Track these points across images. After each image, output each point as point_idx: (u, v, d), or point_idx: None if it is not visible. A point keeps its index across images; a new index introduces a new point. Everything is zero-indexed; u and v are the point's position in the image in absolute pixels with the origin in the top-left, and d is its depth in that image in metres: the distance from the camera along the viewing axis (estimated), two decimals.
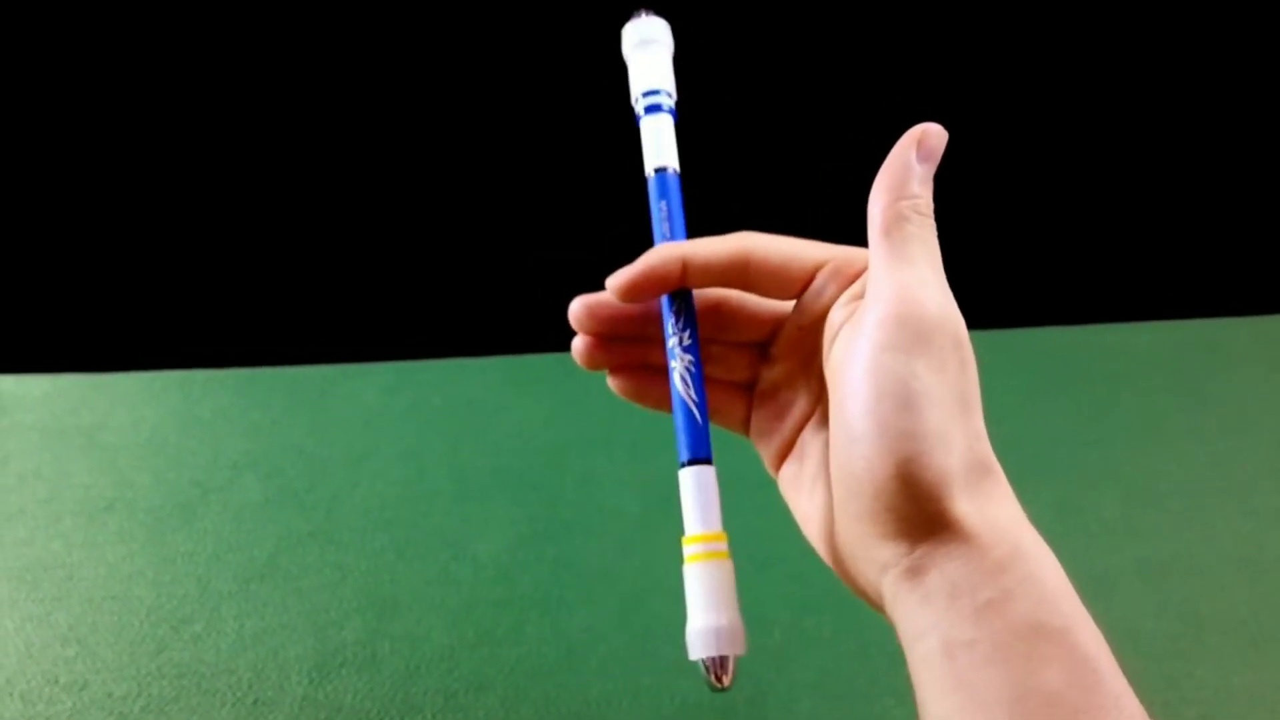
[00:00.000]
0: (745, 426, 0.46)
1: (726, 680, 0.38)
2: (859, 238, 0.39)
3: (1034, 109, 1.11)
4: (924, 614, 0.33)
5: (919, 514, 0.33)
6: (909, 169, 0.37)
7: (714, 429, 0.45)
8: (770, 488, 0.87)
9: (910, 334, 0.34)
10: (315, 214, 1.15)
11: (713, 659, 0.38)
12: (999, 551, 0.33)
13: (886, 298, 0.35)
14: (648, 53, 0.45)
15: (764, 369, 0.44)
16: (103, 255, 1.13)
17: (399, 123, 1.13)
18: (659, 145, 0.43)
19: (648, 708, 0.70)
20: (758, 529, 0.83)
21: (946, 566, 0.33)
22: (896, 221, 0.36)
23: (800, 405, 0.43)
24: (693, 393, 0.41)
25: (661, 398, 0.44)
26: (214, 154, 1.12)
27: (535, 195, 1.14)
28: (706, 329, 0.43)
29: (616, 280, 0.40)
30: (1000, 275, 1.09)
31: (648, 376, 0.44)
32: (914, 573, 0.34)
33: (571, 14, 1.03)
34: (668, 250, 0.40)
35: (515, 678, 0.72)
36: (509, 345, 1.06)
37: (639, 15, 0.45)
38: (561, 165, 1.12)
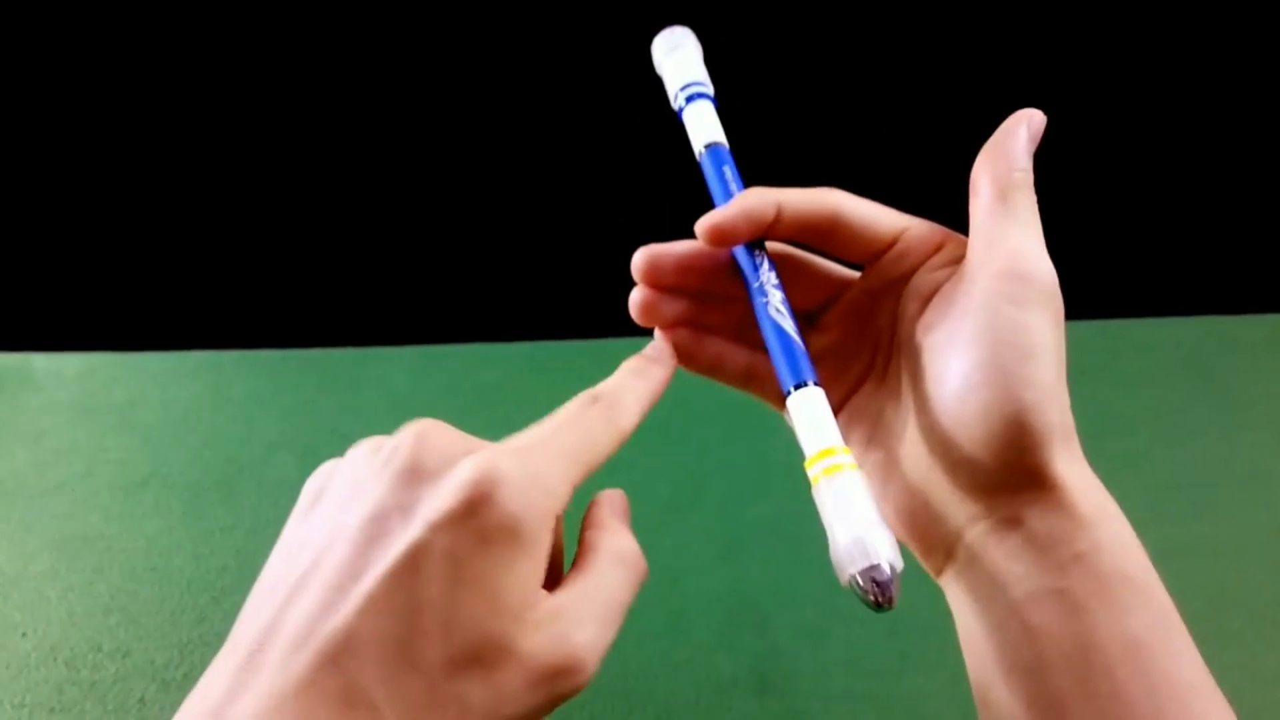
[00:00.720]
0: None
1: (890, 595, 0.33)
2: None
3: (1050, 104, 1.12)
4: (1013, 566, 0.34)
5: (1023, 465, 0.34)
6: (1021, 140, 0.38)
7: (749, 399, 0.45)
8: (795, 472, 0.88)
9: (1032, 289, 0.35)
10: (346, 199, 1.16)
11: (866, 572, 0.33)
12: (1089, 507, 0.34)
13: (1006, 254, 0.36)
14: (679, 54, 0.47)
15: (811, 336, 0.45)
16: (135, 237, 1.14)
17: (431, 109, 1.14)
18: (705, 126, 0.45)
19: (684, 683, 0.71)
20: (788, 507, 0.84)
21: (1044, 518, 0.34)
22: (1011, 188, 0.37)
23: (852, 371, 0.44)
24: (789, 321, 0.41)
25: (713, 361, 0.45)
26: (249, 138, 1.13)
27: (565, 181, 1.15)
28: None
29: (709, 221, 0.40)
30: None
31: (701, 335, 0.44)
32: (1008, 524, 0.35)
33: (591, 10, 1.04)
34: (760, 195, 0.40)
35: None
36: (536, 331, 1.07)
37: (666, 30, 0.47)
38: (593, 150, 1.13)
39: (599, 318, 1.08)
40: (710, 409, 0.96)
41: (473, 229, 1.16)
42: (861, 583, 0.33)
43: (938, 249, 0.41)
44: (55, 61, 1.09)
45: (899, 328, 0.41)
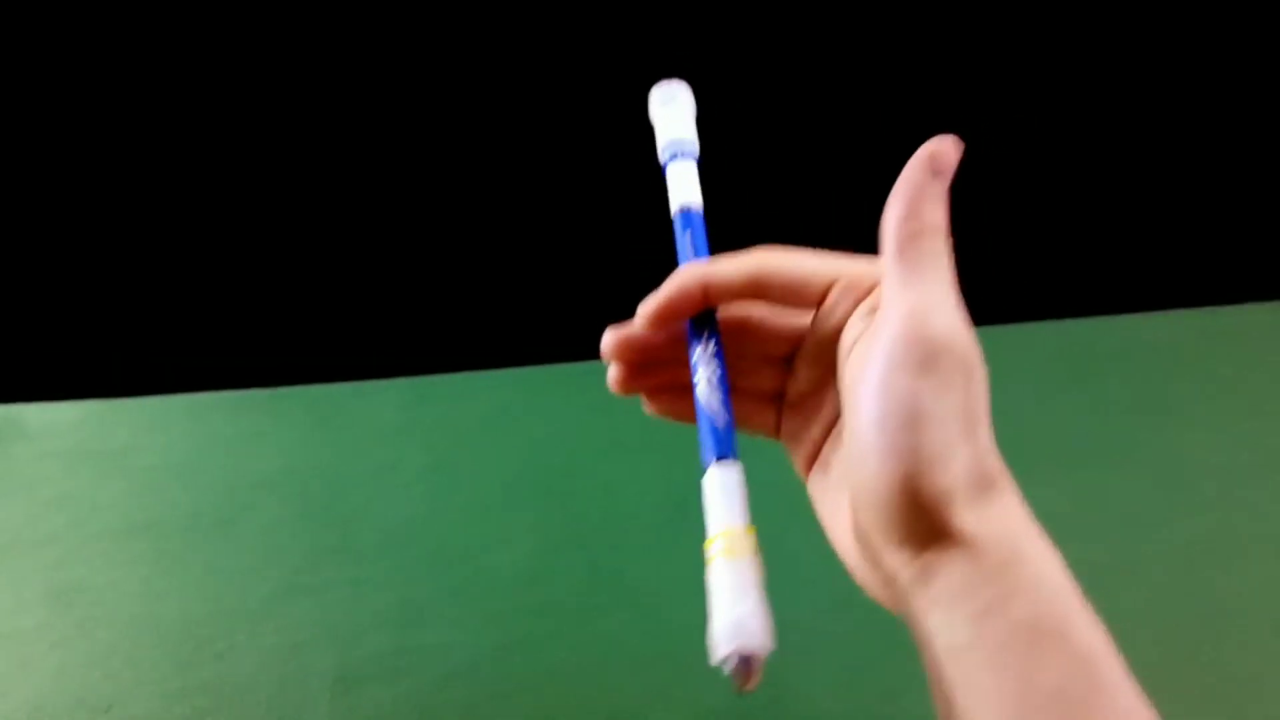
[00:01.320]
0: (778, 433, 0.47)
1: (751, 683, 0.35)
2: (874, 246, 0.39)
3: (1047, 104, 1.11)
4: (932, 618, 0.34)
5: (923, 526, 0.34)
6: (921, 188, 0.37)
7: (746, 437, 0.45)
8: (789, 487, 0.87)
9: (918, 355, 0.35)
10: (331, 234, 1.16)
11: (733, 657, 0.35)
12: (998, 556, 0.33)
13: (897, 318, 0.35)
14: (670, 110, 0.47)
15: (789, 380, 0.45)
16: (125, 281, 1.14)
17: (415, 143, 1.14)
18: (682, 186, 0.45)
19: (675, 713, 0.70)
20: (778, 528, 0.82)
21: (950, 572, 0.33)
22: (910, 241, 0.36)
23: (824, 414, 0.43)
24: (716, 398, 0.41)
25: (686, 413, 0.45)
26: (232, 179, 1.14)
27: (549, 208, 1.14)
28: (734, 344, 0.44)
29: (644, 310, 0.42)
30: (1024, 269, 1.08)
31: (683, 396, 0.44)
32: (922, 578, 0.34)
33: (585, 33, 1.04)
34: (688, 274, 0.41)
35: (538, 688, 0.72)
36: (526, 356, 1.06)
37: (663, 82, 0.48)
38: (575, 178, 1.12)
39: (589, 341, 1.08)
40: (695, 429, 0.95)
41: (458, 257, 1.15)
42: (730, 663, 0.35)
43: (866, 294, 0.40)
44: (38, 107, 1.10)
45: (840, 378, 0.40)
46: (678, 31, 1.05)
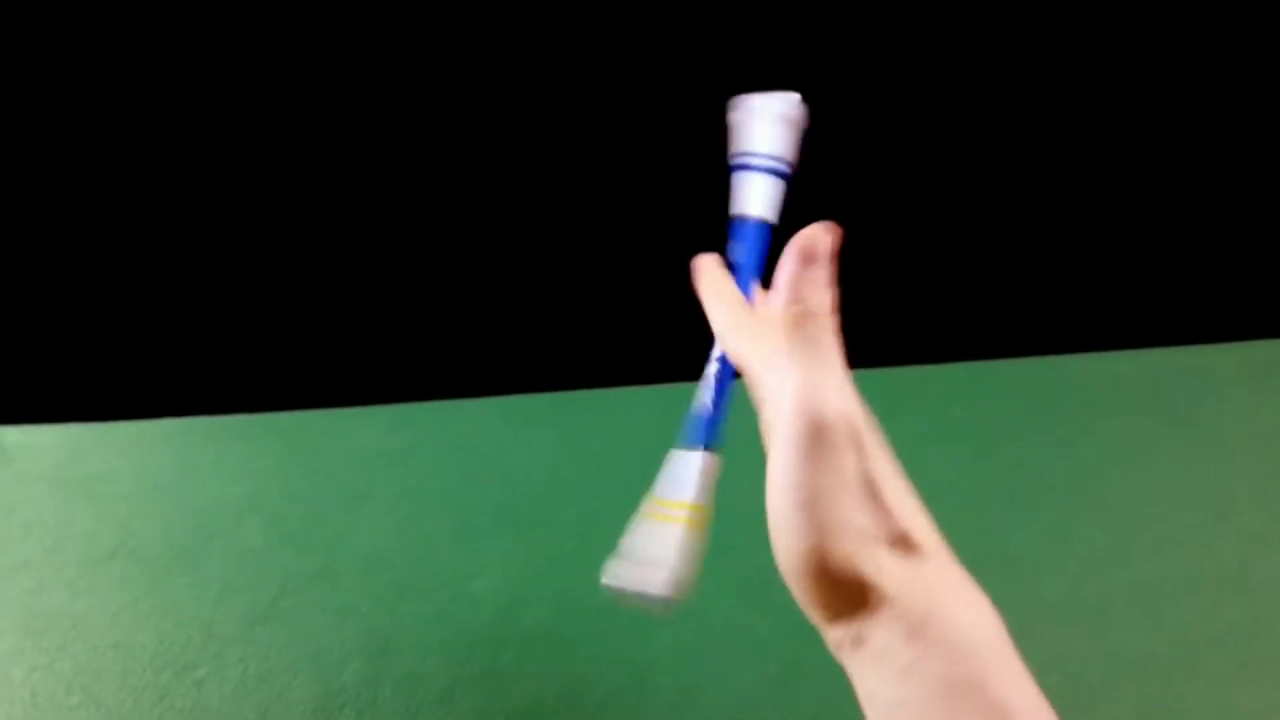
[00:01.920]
0: None
1: (631, 598, 0.39)
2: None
3: (1015, 146, 1.14)
4: (866, 681, 0.35)
5: (841, 593, 0.36)
6: (799, 276, 0.39)
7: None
8: (761, 519, 0.88)
9: (807, 436, 0.36)
10: (310, 262, 1.16)
11: (626, 590, 0.38)
12: (914, 616, 0.35)
13: (786, 408, 0.37)
14: (782, 126, 0.46)
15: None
16: (104, 305, 1.14)
17: (396, 174, 1.15)
18: (766, 201, 0.46)
19: None
20: (753, 561, 0.84)
21: (875, 635, 0.35)
22: (793, 327, 0.38)
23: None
24: (708, 393, 0.43)
25: None
26: (212, 208, 1.14)
27: (527, 239, 1.16)
28: None
29: None
30: (986, 307, 1.11)
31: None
32: (855, 644, 0.36)
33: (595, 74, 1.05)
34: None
35: (517, 716, 0.73)
36: (506, 385, 1.07)
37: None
38: (550, 209, 1.14)
39: (568, 370, 1.09)
40: None
41: (438, 287, 1.16)
42: (622, 592, 0.38)
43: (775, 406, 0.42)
44: (20, 132, 1.10)
45: None
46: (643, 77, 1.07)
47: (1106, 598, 0.81)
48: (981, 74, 1.12)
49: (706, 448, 0.42)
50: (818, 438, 0.37)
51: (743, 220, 0.45)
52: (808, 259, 0.40)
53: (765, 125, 0.46)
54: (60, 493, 0.95)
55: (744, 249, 0.46)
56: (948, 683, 0.33)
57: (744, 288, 0.47)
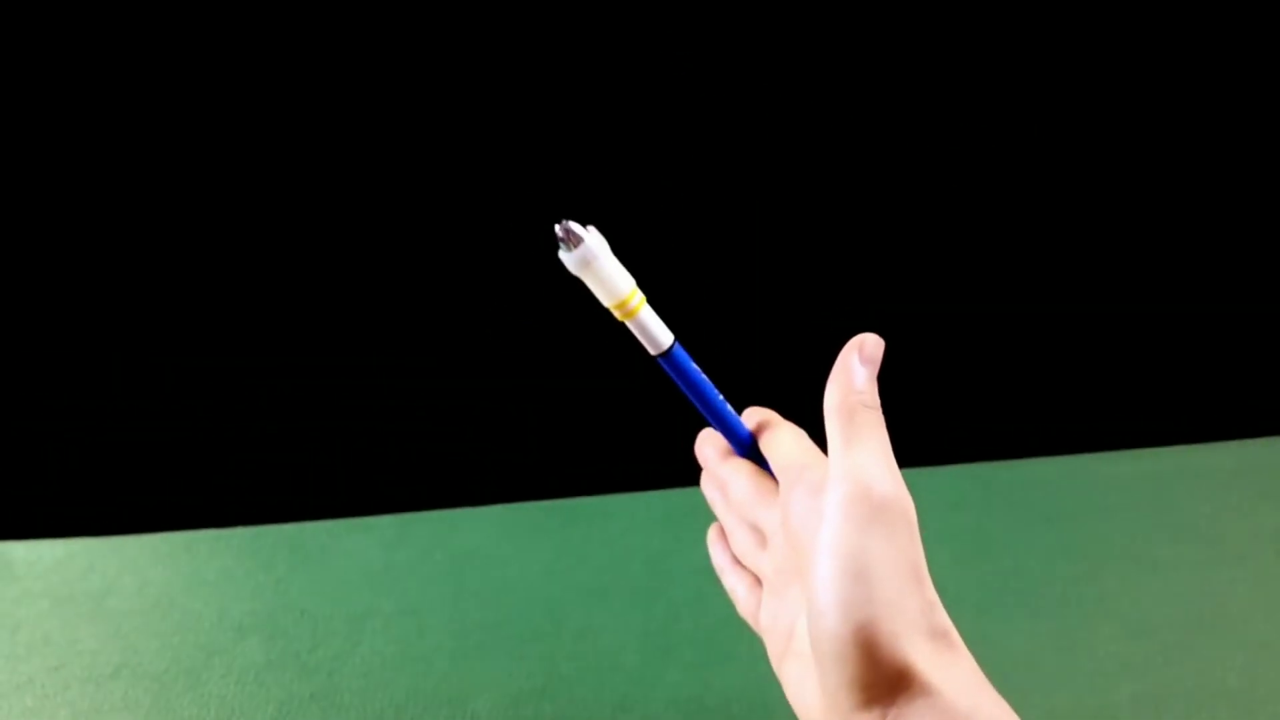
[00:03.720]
0: (759, 623, 0.49)
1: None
2: None
3: (1007, 239, 1.15)
4: None
5: (882, 676, 0.36)
6: (854, 370, 0.42)
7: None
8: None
9: (864, 511, 0.38)
10: (309, 370, 1.18)
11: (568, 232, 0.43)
12: (961, 709, 0.35)
13: (842, 479, 0.39)
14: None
15: (766, 561, 0.47)
16: (110, 419, 1.16)
17: (387, 272, 1.17)
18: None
19: None
20: (754, 673, 0.84)
21: None
22: (848, 413, 0.41)
23: (796, 597, 0.45)
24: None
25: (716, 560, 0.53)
26: (208, 314, 1.16)
27: (529, 343, 1.17)
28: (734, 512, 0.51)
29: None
30: (986, 408, 1.11)
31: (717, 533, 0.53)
32: None
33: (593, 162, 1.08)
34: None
35: None
36: (509, 493, 1.08)
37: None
38: (551, 314, 1.16)
39: (571, 477, 1.10)
40: (680, 569, 0.96)
41: (440, 393, 1.18)
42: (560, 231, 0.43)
43: (817, 478, 0.43)
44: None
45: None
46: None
47: (1111, 708, 0.80)
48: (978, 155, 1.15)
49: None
50: (875, 512, 0.38)
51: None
52: (866, 359, 0.43)
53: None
54: (65, 609, 0.95)
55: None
56: None
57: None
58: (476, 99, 1.07)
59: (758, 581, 0.50)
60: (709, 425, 0.50)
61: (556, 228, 0.44)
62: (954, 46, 1.07)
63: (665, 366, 0.46)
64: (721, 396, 0.48)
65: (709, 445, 0.52)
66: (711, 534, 0.54)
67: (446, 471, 1.14)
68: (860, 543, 0.37)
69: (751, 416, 0.50)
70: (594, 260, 0.44)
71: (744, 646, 0.87)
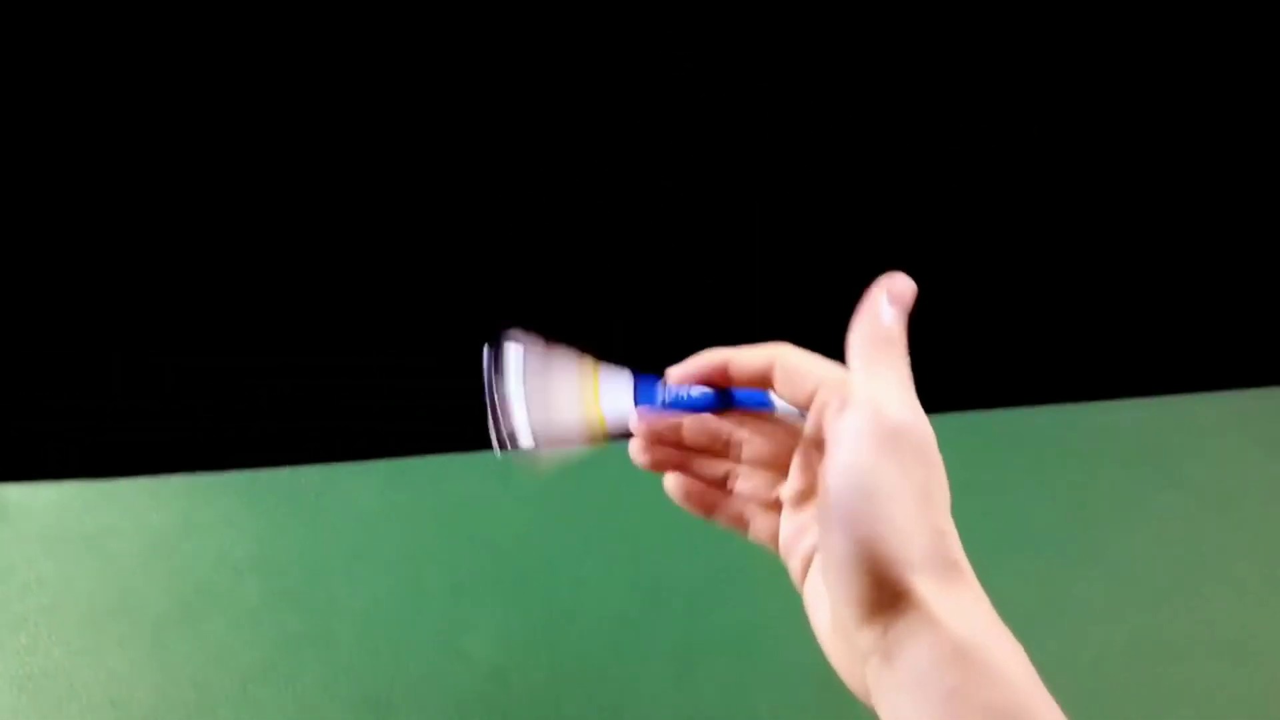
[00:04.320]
0: (777, 543, 0.49)
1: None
2: None
3: (1004, 197, 1.15)
4: (900, 700, 0.37)
5: (884, 595, 0.37)
6: (882, 307, 0.43)
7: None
8: (756, 583, 0.88)
9: (878, 435, 0.39)
10: (309, 316, 1.18)
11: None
12: (961, 637, 0.36)
13: (861, 404, 0.40)
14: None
15: (786, 483, 0.48)
16: (109, 365, 1.16)
17: (387, 225, 1.16)
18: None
19: None
20: (745, 618, 0.84)
21: (915, 651, 0.36)
22: (871, 346, 0.42)
23: (813, 517, 0.46)
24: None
25: (709, 506, 0.51)
26: (208, 256, 1.16)
27: (521, 292, 1.17)
28: (740, 448, 0.49)
29: (674, 371, 0.49)
30: (978, 358, 1.12)
31: (706, 490, 0.50)
32: (888, 656, 0.37)
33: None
34: (715, 353, 0.48)
35: None
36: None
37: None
38: (544, 266, 1.15)
39: None
40: (673, 518, 0.96)
41: (435, 341, 1.18)
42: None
43: (841, 403, 0.43)
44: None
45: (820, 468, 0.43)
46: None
47: (1099, 653, 0.81)
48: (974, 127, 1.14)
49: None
50: (888, 439, 0.38)
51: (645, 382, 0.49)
52: (894, 298, 0.43)
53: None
54: (60, 550, 0.96)
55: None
56: (993, 709, 0.34)
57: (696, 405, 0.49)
58: (476, 98, 1.07)
59: (769, 506, 0.50)
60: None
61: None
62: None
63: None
64: (675, 388, 0.48)
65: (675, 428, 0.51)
66: (677, 486, 0.51)
67: (444, 418, 1.14)
68: (871, 463, 0.38)
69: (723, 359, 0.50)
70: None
71: (733, 592, 0.88)
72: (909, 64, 1.09)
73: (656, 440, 0.49)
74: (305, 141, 1.12)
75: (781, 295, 1.13)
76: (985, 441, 1.02)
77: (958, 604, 0.37)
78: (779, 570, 0.48)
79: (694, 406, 0.49)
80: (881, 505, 0.37)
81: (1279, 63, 1.12)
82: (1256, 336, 1.15)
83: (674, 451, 0.50)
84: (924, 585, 0.37)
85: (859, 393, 0.41)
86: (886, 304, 0.43)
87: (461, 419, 1.13)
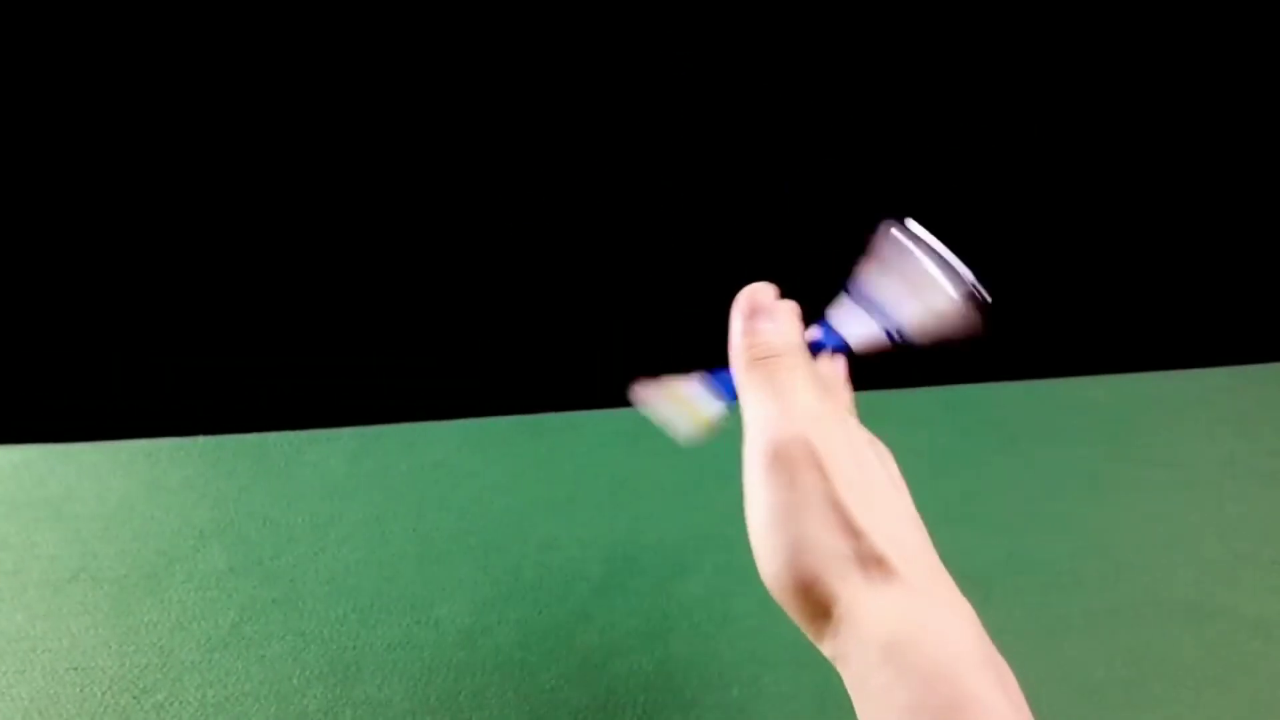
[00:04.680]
0: None
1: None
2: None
3: (976, 177, 1.15)
4: (856, 702, 0.37)
5: (817, 611, 0.38)
6: (733, 327, 0.44)
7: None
8: (728, 550, 0.88)
9: (763, 463, 0.40)
10: (278, 281, 1.17)
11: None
12: (881, 640, 0.36)
13: (748, 436, 0.42)
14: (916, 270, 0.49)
15: None
16: (69, 325, 1.14)
17: (364, 195, 1.15)
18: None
19: None
20: (717, 586, 0.84)
21: (850, 656, 0.37)
22: (743, 370, 0.43)
23: None
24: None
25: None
26: (180, 223, 1.14)
27: (497, 261, 1.16)
28: None
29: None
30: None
31: None
32: (839, 661, 0.38)
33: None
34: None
35: None
36: (472, 408, 1.07)
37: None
38: (520, 232, 1.14)
39: (534, 393, 1.09)
40: (646, 484, 0.96)
41: (406, 307, 1.17)
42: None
43: None
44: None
45: None
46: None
47: (1064, 622, 0.82)
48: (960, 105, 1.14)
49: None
50: (773, 459, 0.39)
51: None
52: (750, 312, 0.44)
53: (916, 290, 0.48)
54: (21, 514, 0.94)
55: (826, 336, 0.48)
56: (917, 710, 0.34)
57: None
58: (474, 97, 1.05)
59: None
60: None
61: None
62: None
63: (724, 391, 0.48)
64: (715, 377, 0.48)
65: None
66: None
67: (411, 386, 1.14)
68: (767, 490, 0.39)
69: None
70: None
71: (706, 559, 0.88)
72: (901, 60, 1.09)
73: None
74: (284, 126, 1.10)
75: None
76: (955, 415, 1.03)
77: (880, 603, 0.37)
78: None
79: (840, 347, 0.49)
80: (788, 530, 0.38)
81: (1245, 53, 1.13)
82: (1224, 316, 1.16)
83: None
84: (848, 591, 0.38)
85: (746, 421, 0.42)
86: (735, 321, 0.44)
87: (432, 387, 1.12)
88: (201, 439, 1.04)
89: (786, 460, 0.39)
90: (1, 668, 0.78)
